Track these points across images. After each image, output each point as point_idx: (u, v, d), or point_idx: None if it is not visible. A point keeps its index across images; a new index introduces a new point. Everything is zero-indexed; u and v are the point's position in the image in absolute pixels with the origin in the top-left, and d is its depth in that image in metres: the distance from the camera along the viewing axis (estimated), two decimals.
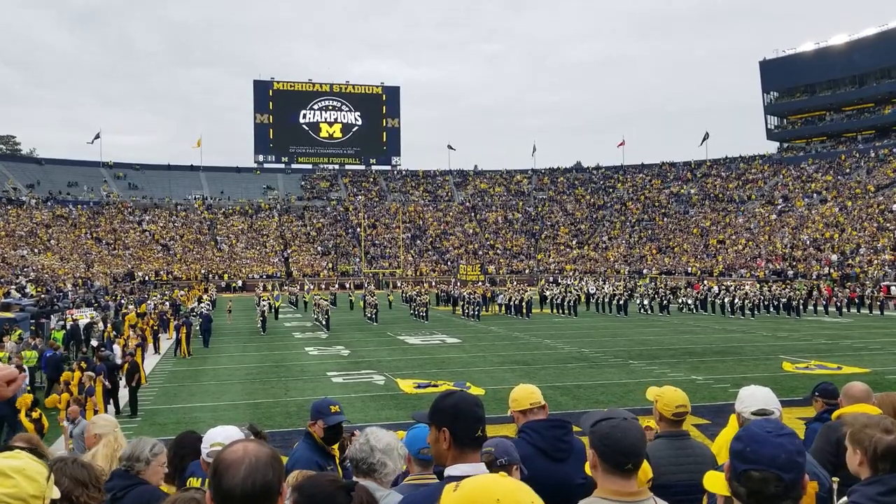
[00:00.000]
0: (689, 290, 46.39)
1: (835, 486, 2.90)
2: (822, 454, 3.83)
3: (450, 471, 2.48)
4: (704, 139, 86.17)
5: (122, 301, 40.54)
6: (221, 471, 1.69)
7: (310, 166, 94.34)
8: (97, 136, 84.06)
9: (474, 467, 2.48)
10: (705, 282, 51.56)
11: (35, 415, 12.31)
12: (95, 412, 14.02)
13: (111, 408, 15.83)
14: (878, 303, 39.49)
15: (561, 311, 40.42)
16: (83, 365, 15.17)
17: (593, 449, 2.42)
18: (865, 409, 4.01)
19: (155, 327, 27.95)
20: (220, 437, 3.57)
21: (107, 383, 15.24)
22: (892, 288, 44.19)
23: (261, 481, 1.68)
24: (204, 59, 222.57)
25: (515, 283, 57.00)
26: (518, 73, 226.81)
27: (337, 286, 64.48)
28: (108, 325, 26.71)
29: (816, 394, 5.41)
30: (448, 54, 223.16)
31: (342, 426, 4.29)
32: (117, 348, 20.55)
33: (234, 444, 1.78)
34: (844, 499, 2.71)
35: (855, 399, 4.38)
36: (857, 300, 40.45)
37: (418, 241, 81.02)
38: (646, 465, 2.97)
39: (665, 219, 78.82)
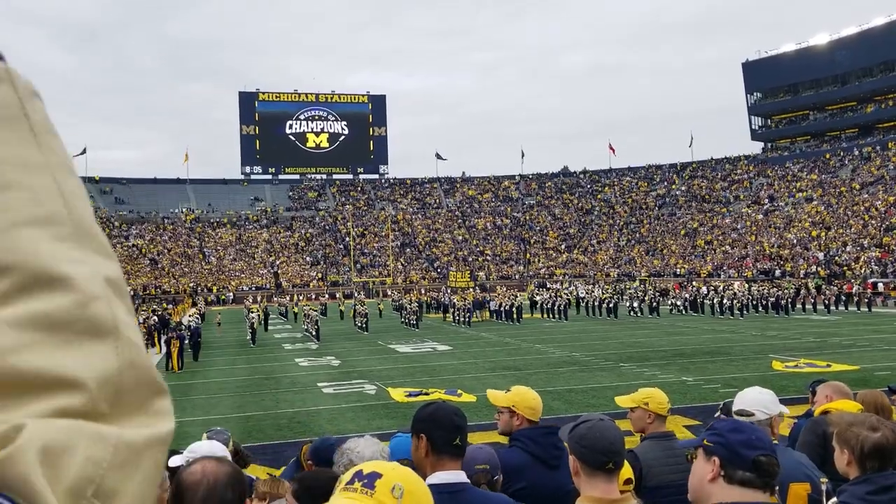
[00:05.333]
0: (673, 291, 46.64)
1: (823, 488, 2.89)
2: (810, 448, 3.86)
3: (429, 479, 2.47)
4: (690, 143, 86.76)
5: None
6: (181, 492, 1.67)
7: (297, 176, 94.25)
8: (83, 151, 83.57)
9: (454, 475, 2.47)
10: (693, 283, 51.73)
11: None
12: None
13: None
14: (866, 300, 39.75)
15: (551, 315, 40.43)
16: None
17: (573, 454, 2.42)
18: (846, 405, 4.04)
19: (144, 341, 27.70)
20: (209, 450, 3.52)
21: None
22: (880, 285, 44.54)
23: (218, 503, 1.66)
24: (197, 75, 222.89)
25: (505, 288, 56.99)
26: (507, 83, 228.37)
27: (327, 296, 64.32)
28: None
29: (813, 389, 5.42)
30: (438, 65, 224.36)
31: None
32: None
33: (194, 465, 1.76)
34: (834, 499, 2.70)
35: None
36: (843, 297, 40.77)
37: (408, 249, 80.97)
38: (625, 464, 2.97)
39: (653, 221, 79.14)
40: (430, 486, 2.45)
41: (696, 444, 2.16)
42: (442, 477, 2.45)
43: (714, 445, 2.07)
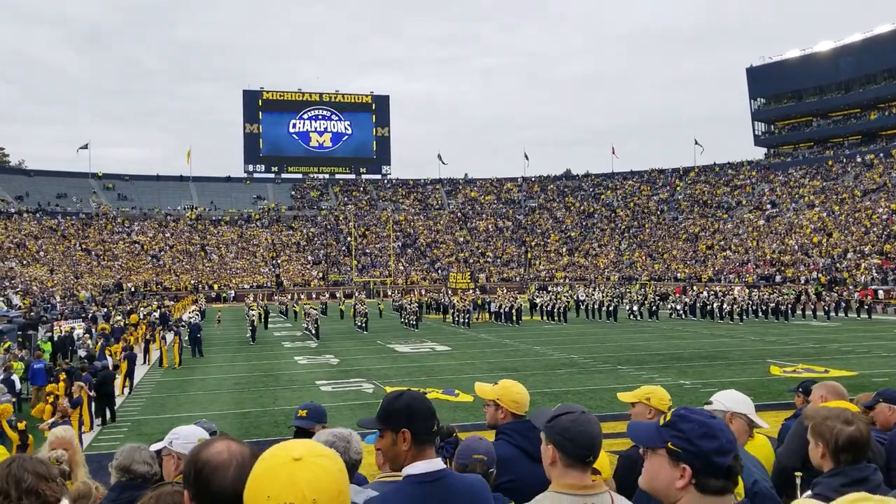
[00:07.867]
0: (674, 295, 46.71)
1: (798, 481, 2.92)
2: (794, 449, 3.87)
3: (409, 469, 2.47)
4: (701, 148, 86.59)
5: (111, 312, 40.32)
6: (209, 473, 1.62)
7: (300, 176, 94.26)
8: (85, 146, 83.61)
9: (433, 463, 2.49)
10: (694, 287, 51.70)
11: (21, 426, 12.20)
12: (81, 423, 13.96)
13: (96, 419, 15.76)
14: (866, 307, 39.73)
15: (551, 317, 40.45)
16: (63, 376, 15.08)
17: (552, 444, 2.43)
18: (841, 405, 4.04)
19: (147, 337, 27.82)
20: (192, 433, 3.57)
21: (92, 393, 15.18)
22: (880, 292, 44.51)
23: None
24: (201, 77, 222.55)
25: (506, 290, 57.03)
26: (510, 89, 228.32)
27: (327, 295, 64.36)
28: (96, 337, 26.55)
29: (800, 389, 5.44)
30: (441, 70, 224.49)
31: (305, 431, 4.22)
32: (110, 360, 20.53)
33: (215, 444, 1.72)
34: (809, 492, 2.74)
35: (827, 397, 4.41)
36: (843, 303, 40.76)
37: (409, 250, 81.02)
38: (604, 460, 3.00)
39: (654, 225, 79.13)
40: (410, 475, 2.47)
41: (654, 442, 1.98)
42: (422, 466, 2.46)
43: (683, 452, 1.92)
